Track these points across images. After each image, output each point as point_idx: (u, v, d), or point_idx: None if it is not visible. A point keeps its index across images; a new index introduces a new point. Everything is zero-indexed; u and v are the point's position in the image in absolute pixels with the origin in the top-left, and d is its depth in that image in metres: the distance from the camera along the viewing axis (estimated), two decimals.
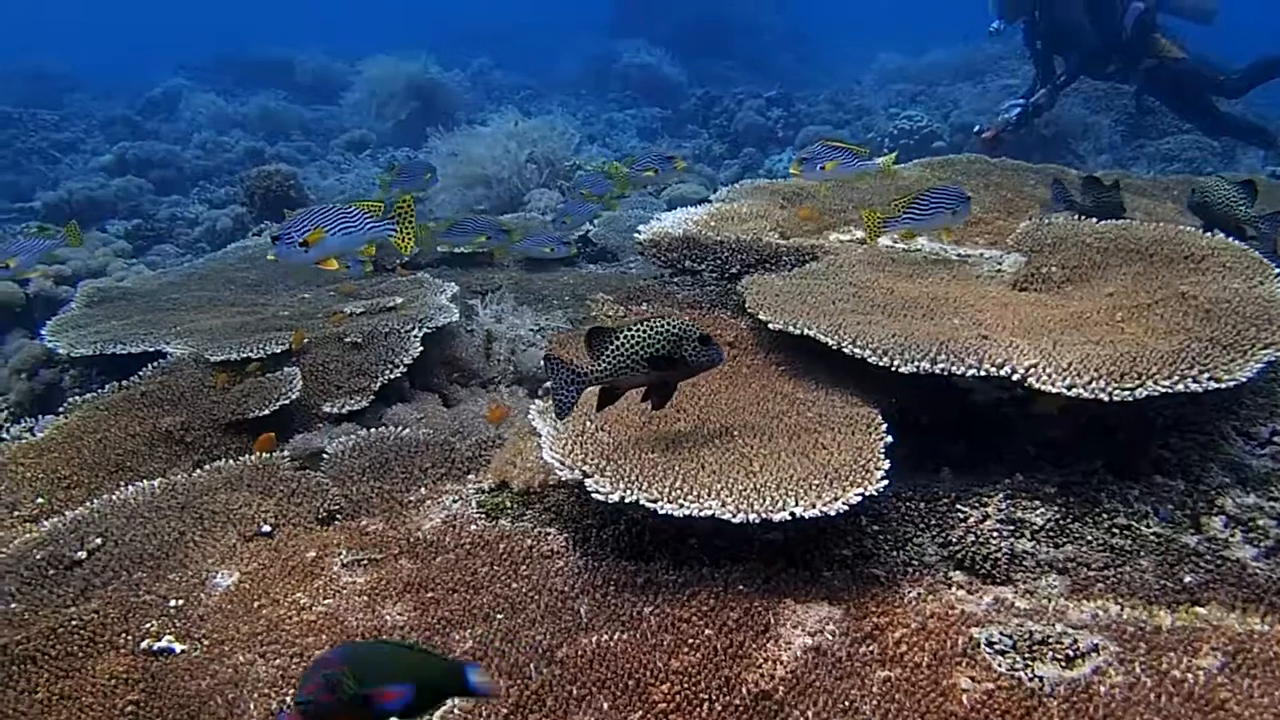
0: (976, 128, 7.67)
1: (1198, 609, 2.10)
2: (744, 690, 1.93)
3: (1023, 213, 4.27)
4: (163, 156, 10.19)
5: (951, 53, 13.19)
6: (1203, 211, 3.58)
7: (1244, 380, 2.37)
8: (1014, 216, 4.23)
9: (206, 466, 3.22)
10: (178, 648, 2.27)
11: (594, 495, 2.29)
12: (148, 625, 2.37)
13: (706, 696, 1.92)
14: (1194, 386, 2.35)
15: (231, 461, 3.23)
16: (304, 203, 7.99)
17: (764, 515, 2.14)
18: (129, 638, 2.33)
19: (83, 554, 2.72)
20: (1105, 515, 2.44)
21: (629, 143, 12.14)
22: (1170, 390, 2.35)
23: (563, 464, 2.40)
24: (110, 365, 4.43)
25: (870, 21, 21.18)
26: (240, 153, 11.08)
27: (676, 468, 2.34)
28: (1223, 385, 2.36)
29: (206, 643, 2.28)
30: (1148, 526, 2.40)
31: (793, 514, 2.13)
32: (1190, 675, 1.86)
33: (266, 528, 2.81)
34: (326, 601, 2.39)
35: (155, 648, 2.27)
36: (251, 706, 2.05)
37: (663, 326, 2.29)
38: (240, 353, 3.97)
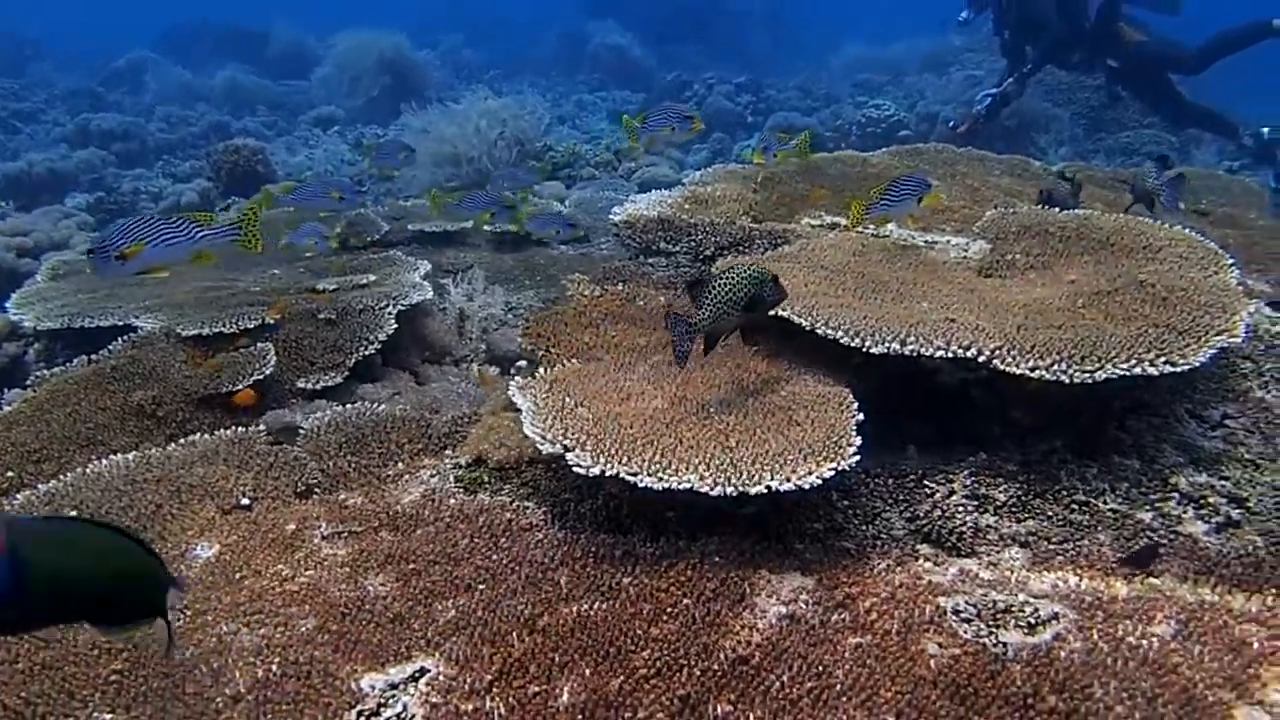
0: (951, 122, 7.78)
1: (1152, 580, 2.21)
2: (722, 656, 2.00)
3: (988, 201, 4.37)
4: (126, 129, 10.03)
5: (918, 44, 13.34)
6: (1131, 190, 3.89)
7: (1198, 365, 2.48)
8: (980, 205, 4.34)
9: (182, 440, 3.22)
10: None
11: (575, 469, 2.34)
12: None
13: (686, 662, 1.99)
14: (1150, 370, 2.46)
15: (207, 435, 3.23)
16: (272, 178, 7.93)
17: (741, 489, 2.21)
18: None
19: None
20: (1065, 492, 2.55)
21: (598, 124, 12.14)
22: (1128, 373, 2.45)
23: (544, 438, 2.45)
24: (76, 339, 4.39)
25: (840, 11, 21.31)
26: (205, 126, 10.93)
27: (655, 443, 2.40)
28: (1178, 369, 2.47)
29: (189, 613, 2.30)
30: (1104, 503, 2.50)
31: (769, 487, 2.20)
32: (1145, 642, 1.95)
33: (245, 501, 2.83)
34: (308, 573, 2.42)
35: None
36: (237, 674, 2.08)
37: (747, 273, 2.47)
38: (213, 327, 3.96)
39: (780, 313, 2.90)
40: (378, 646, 2.14)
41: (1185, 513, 2.45)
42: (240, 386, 3.61)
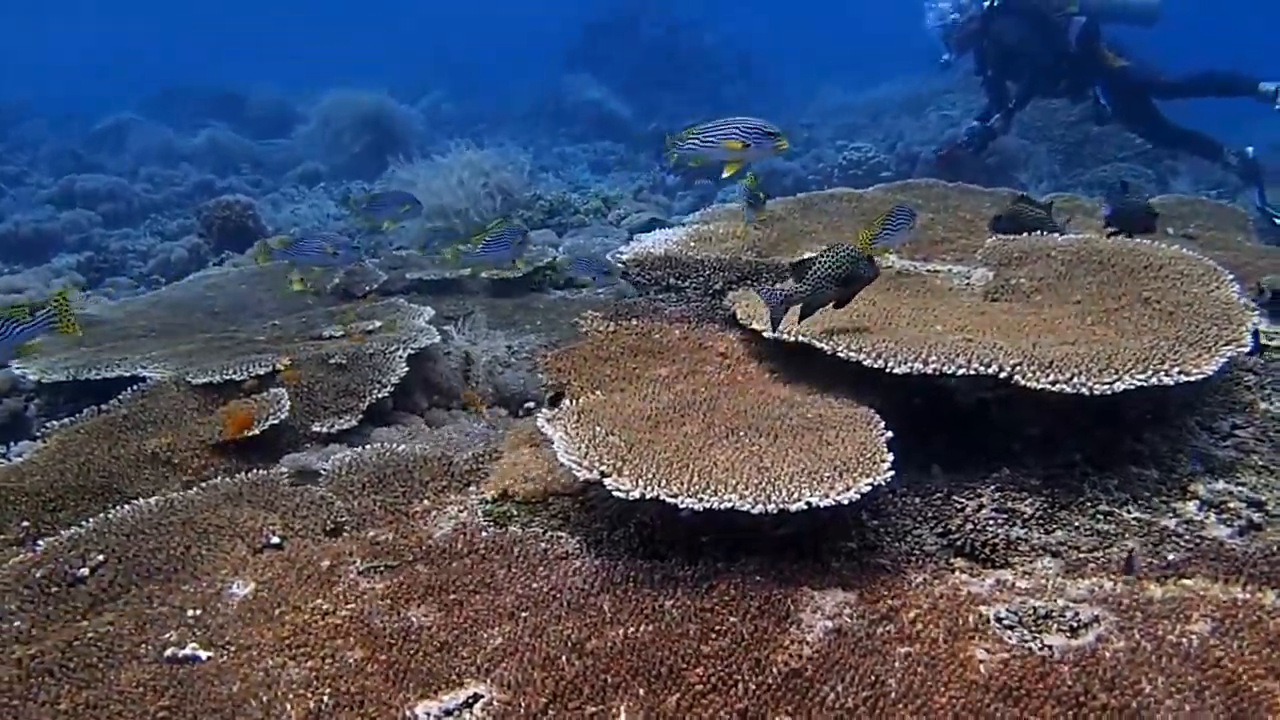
0: (935, 147, 7.90)
1: (1185, 581, 2.26)
2: (774, 670, 2.02)
3: (982, 232, 4.48)
4: (111, 189, 10.06)
5: (895, 87, 13.62)
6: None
7: (1211, 373, 2.56)
8: (975, 235, 4.45)
9: (204, 484, 3.22)
10: (203, 655, 2.28)
11: (614, 493, 2.37)
12: (167, 635, 2.37)
13: (740, 677, 2.01)
14: (1166, 380, 2.53)
15: (229, 479, 3.24)
16: (262, 232, 7.97)
17: (781, 505, 2.25)
18: (149, 647, 2.34)
19: (85, 570, 2.71)
20: (1089, 503, 2.60)
21: (582, 175, 12.30)
22: (1145, 384, 2.52)
23: (580, 465, 2.48)
24: (78, 393, 4.39)
25: (818, 58, 21.82)
26: (190, 186, 10.98)
27: (690, 466, 2.44)
28: (1192, 378, 2.55)
29: (233, 648, 2.29)
30: (1129, 512, 2.56)
31: (808, 503, 2.24)
32: (1185, 639, 2.00)
33: (275, 540, 2.82)
34: (349, 606, 2.43)
35: (180, 655, 2.28)
36: (288, 707, 2.07)
37: (844, 252, 2.78)
38: (224, 375, 3.98)
39: (800, 338, 2.97)
40: (428, 675, 2.15)
41: (1208, 518, 2.51)
42: (256, 430, 3.61)
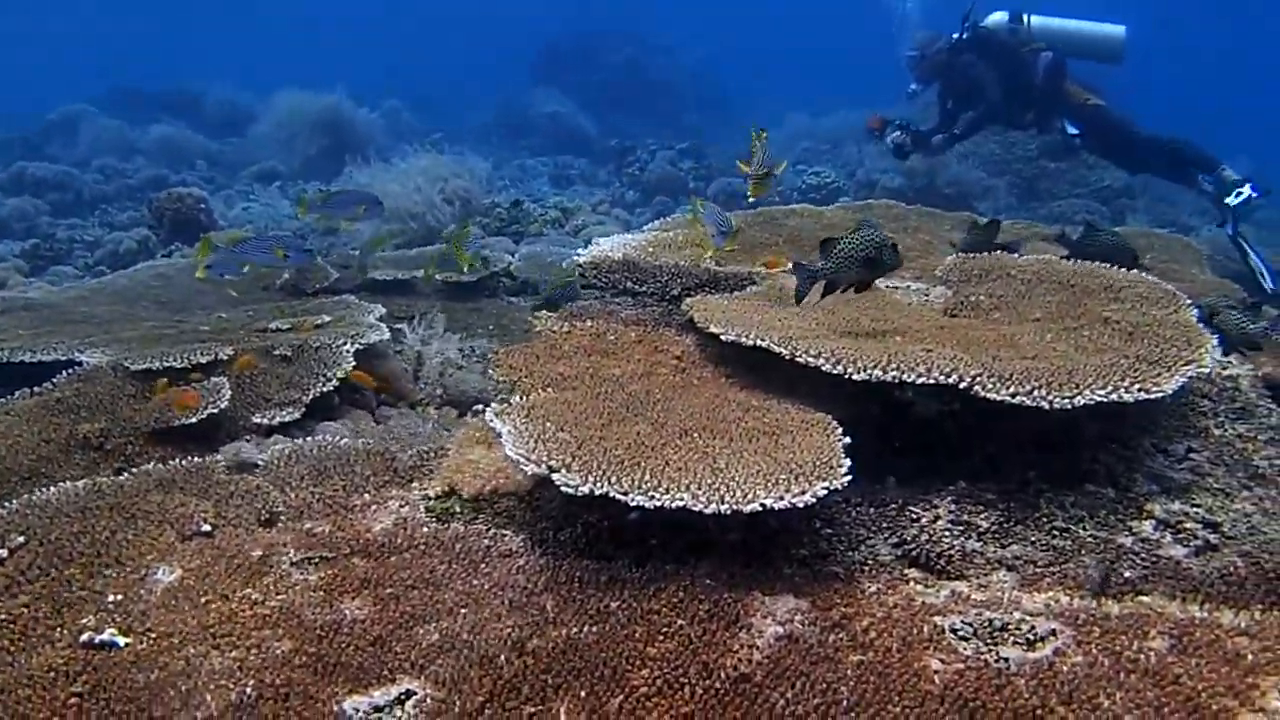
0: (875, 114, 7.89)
1: (1142, 598, 2.23)
2: (723, 674, 1.95)
3: (940, 252, 4.49)
4: (61, 179, 9.76)
5: (856, 114, 13.71)
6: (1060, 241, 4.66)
7: (1170, 392, 2.55)
8: (933, 256, 4.44)
9: (135, 470, 3.08)
10: (121, 641, 2.15)
11: (563, 489, 2.29)
12: (84, 620, 2.24)
13: (686, 680, 1.93)
14: (1126, 396, 2.52)
15: (161, 465, 3.10)
16: (214, 226, 7.78)
17: (735, 506, 2.18)
18: (64, 632, 2.20)
19: (3, 552, 2.57)
20: (1045, 519, 2.57)
21: (541, 188, 12.22)
22: (1105, 399, 2.50)
23: (529, 459, 2.39)
24: (9, 377, 4.20)
25: (783, 83, 22.04)
26: (141, 180, 10.71)
27: (642, 464, 2.36)
28: (1152, 396, 2.53)
29: (153, 635, 2.16)
30: (1085, 529, 2.53)
31: (763, 505, 2.18)
32: (1143, 655, 1.96)
33: (206, 527, 2.69)
34: (280, 597, 2.31)
35: (97, 640, 2.14)
36: (208, 697, 1.95)
37: (870, 236, 2.78)
38: (164, 362, 3.83)
39: (759, 342, 2.92)
40: (359, 669, 2.04)
41: (1164, 537, 2.49)
42: (194, 419, 3.47)
